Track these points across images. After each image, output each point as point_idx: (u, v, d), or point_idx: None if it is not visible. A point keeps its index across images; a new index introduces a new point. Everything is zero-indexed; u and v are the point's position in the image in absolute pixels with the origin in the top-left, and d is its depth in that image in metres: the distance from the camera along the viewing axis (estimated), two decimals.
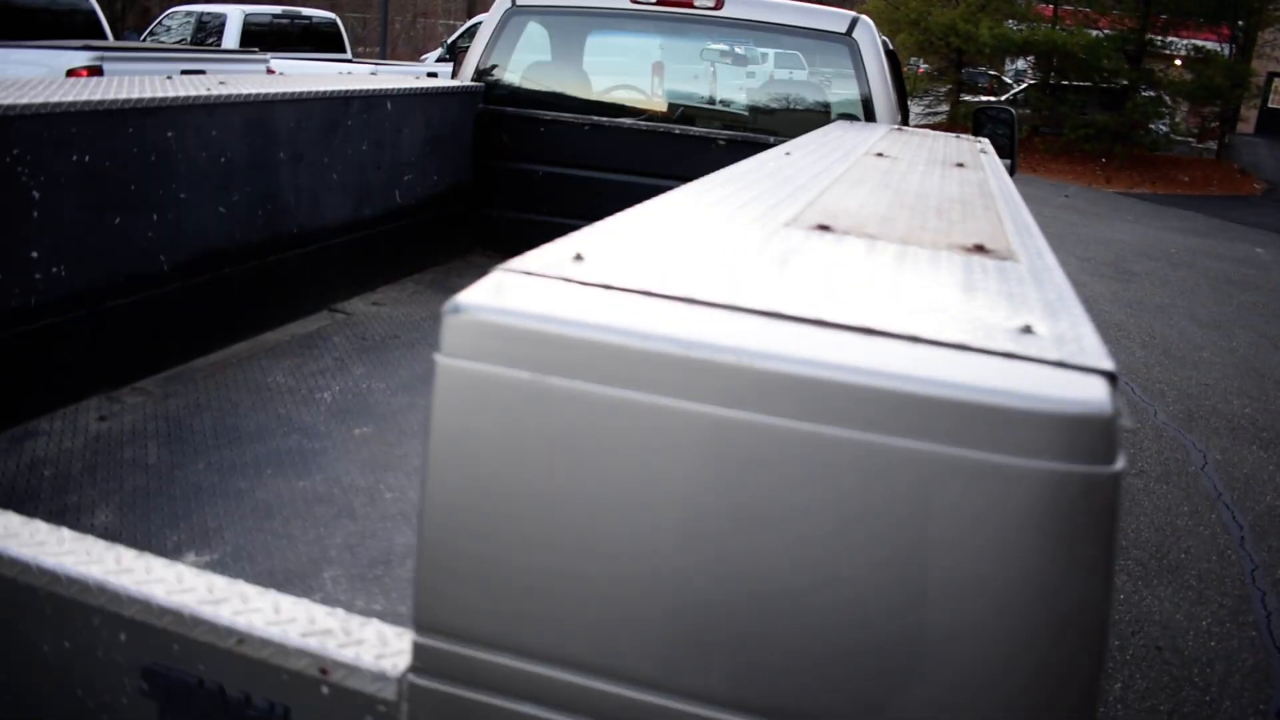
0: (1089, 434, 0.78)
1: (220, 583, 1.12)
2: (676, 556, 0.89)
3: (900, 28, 20.72)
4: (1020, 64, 27.50)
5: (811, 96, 3.84)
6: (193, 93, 2.64)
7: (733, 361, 0.85)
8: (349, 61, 10.24)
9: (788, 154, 2.21)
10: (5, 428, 2.22)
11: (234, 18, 10.25)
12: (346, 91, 3.18)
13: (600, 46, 4.17)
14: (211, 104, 2.68)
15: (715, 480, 0.87)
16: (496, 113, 3.94)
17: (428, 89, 3.65)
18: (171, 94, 2.58)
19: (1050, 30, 19.79)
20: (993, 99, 20.70)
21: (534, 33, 4.08)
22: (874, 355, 0.85)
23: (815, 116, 3.76)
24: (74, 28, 8.47)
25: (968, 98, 22.26)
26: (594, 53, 4.15)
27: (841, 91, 3.76)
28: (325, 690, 1.03)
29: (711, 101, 4.01)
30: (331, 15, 11.57)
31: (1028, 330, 0.94)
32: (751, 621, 0.88)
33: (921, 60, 24.23)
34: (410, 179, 3.55)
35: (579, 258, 1.06)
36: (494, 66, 4.02)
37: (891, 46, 4.31)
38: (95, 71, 6.56)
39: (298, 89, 3.00)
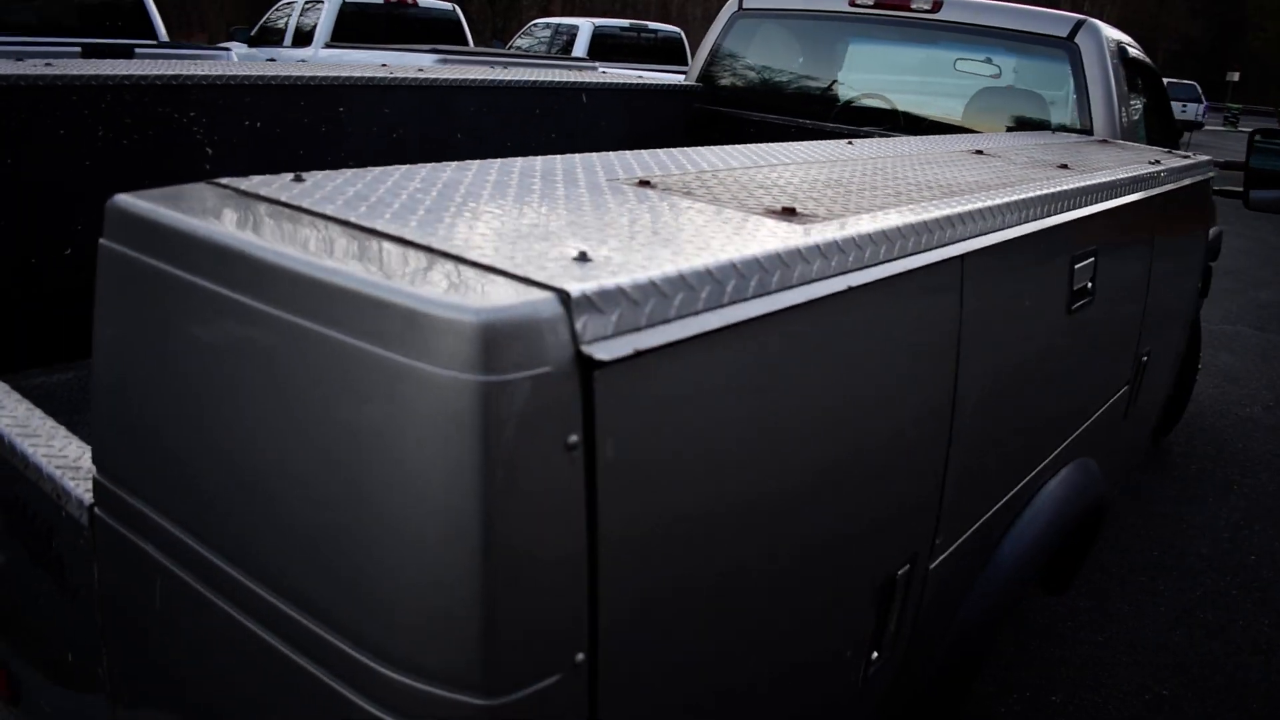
0: (455, 339, 0.74)
1: None
2: (229, 438, 0.94)
3: None
4: None
5: (1025, 106, 3.52)
6: (364, 74, 2.93)
7: (258, 257, 0.88)
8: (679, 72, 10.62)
9: (849, 143, 2.08)
10: None
11: (584, 29, 11.02)
12: (540, 82, 3.37)
13: (818, 50, 4.09)
14: (386, 85, 2.96)
15: (232, 366, 0.92)
16: (711, 112, 3.99)
17: (634, 85, 3.76)
18: (343, 74, 2.88)
19: None
20: None
21: (756, 35, 4.07)
22: (371, 260, 0.85)
23: (1027, 127, 3.46)
24: (443, 34, 9.51)
25: None
26: (811, 56, 4.08)
27: (1059, 102, 3.42)
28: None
29: (918, 108, 3.80)
30: (677, 30, 12.11)
31: (582, 257, 0.89)
32: (250, 503, 0.92)
33: None
34: None
35: (299, 178, 1.13)
36: (715, 66, 4.07)
37: (1143, 56, 3.85)
38: None
39: (485, 77, 3.22)
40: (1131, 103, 3.50)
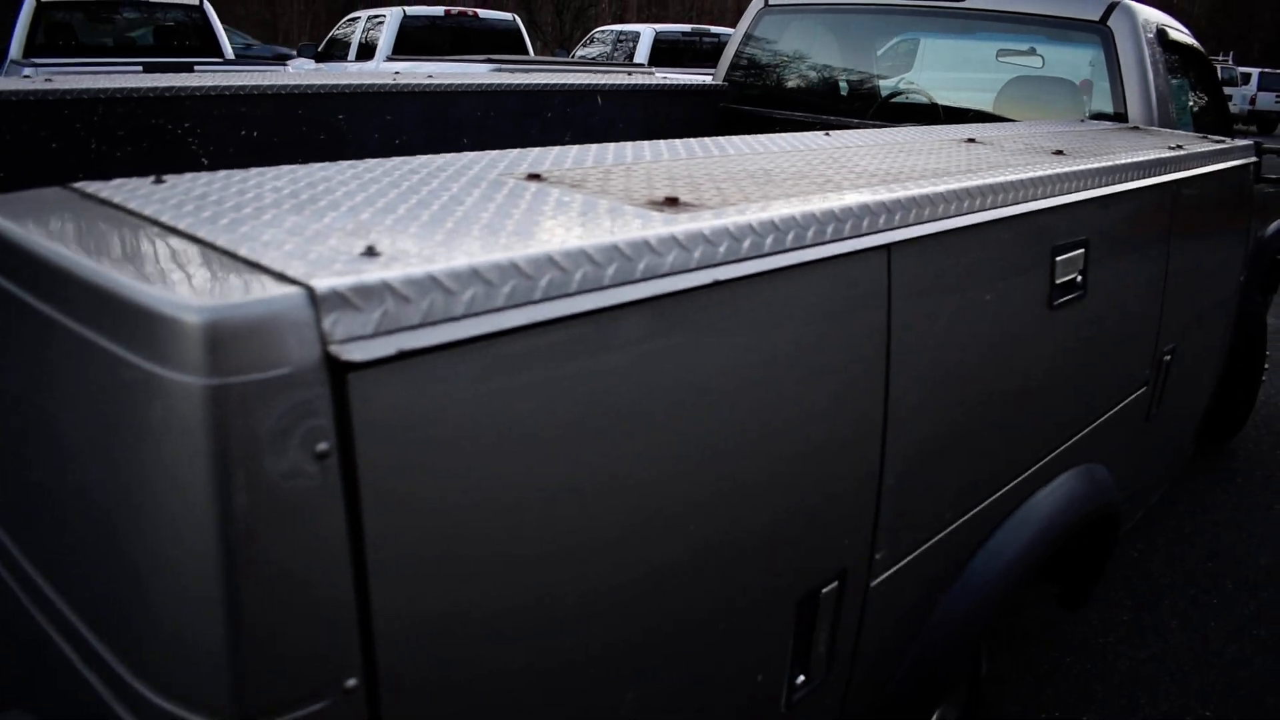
0: (180, 338, 0.68)
1: None
2: (25, 440, 0.94)
3: None
4: None
5: (1057, 94, 3.36)
6: (367, 81, 2.92)
7: (36, 254, 0.85)
8: None
9: (826, 134, 1.98)
10: None
11: (645, 35, 10.99)
12: (550, 85, 3.33)
13: (847, 44, 3.97)
14: (387, 92, 2.94)
15: (25, 367, 0.91)
16: (738, 112, 3.90)
17: (654, 86, 3.70)
18: (342, 82, 2.87)
19: None
20: None
21: (784, 30, 3.97)
22: (145, 258, 0.81)
23: (1060, 115, 3.30)
24: (504, 44, 9.58)
25: None
26: (841, 50, 3.96)
27: (1094, 88, 3.26)
28: None
29: (955, 101, 3.66)
30: None
31: (369, 252, 0.83)
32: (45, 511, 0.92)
33: None
34: None
35: (160, 180, 1.09)
36: (742, 64, 3.98)
37: (1188, 39, 3.64)
38: None
39: (490, 80, 3.19)
40: (1174, 88, 3.31)
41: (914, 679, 1.62)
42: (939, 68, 3.89)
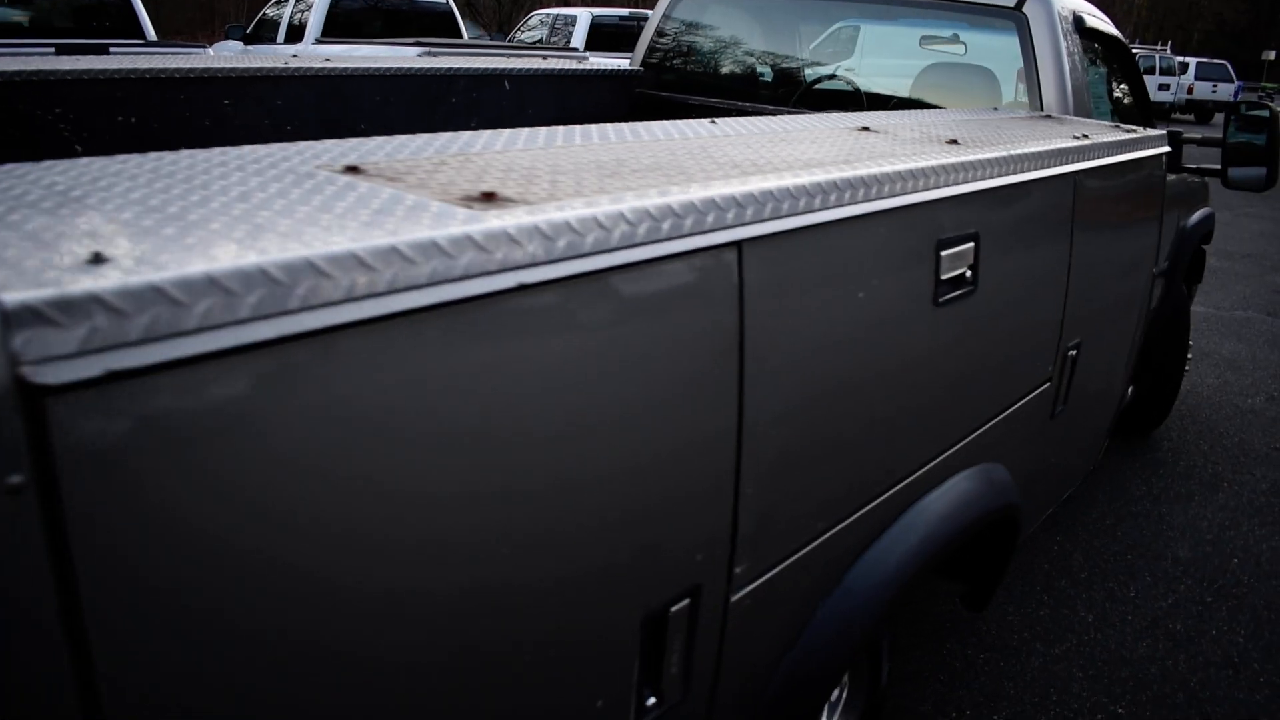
0: None
1: None
2: None
3: None
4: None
5: (973, 82, 3.31)
6: (257, 64, 2.78)
7: None
8: None
9: (713, 122, 1.90)
10: None
11: (582, 20, 10.85)
12: (455, 70, 3.21)
13: (768, 28, 3.89)
14: (279, 76, 2.81)
15: None
16: (654, 98, 3.81)
17: (566, 71, 3.59)
18: (229, 65, 2.73)
19: None
20: None
21: (703, 13, 3.88)
22: None
23: (975, 103, 3.25)
24: (437, 27, 9.38)
25: None
26: (761, 34, 3.88)
27: (1009, 76, 3.21)
28: None
29: (878, 88, 3.60)
30: None
31: (96, 259, 0.72)
32: None
33: None
34: None
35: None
36: (659, 48, 3.88)
37: (1107, 28, 3.61)
38: None
39: (385, 65, 3.06)
40: (1092, 77, 3.27)
41: (791, 691, 1.55)
42: (873, 54, 3.83)
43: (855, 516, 1.59)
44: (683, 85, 3.86)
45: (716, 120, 1.91)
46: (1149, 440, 4.62)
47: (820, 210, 1.31)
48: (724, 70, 3.92)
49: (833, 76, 3.74)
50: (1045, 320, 2.16)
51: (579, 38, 10.70)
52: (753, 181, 1.23)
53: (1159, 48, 33.98)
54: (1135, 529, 3.82)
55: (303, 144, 1.29)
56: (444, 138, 1.45)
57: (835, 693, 2.06)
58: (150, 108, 2.58)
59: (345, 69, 2.93)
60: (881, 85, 3.60)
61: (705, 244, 1.14)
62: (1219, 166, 3.65)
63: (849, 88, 3.66)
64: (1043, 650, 3.05)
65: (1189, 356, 4.58)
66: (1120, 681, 2.92)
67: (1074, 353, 2.35)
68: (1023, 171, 1.86)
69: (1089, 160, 2.19)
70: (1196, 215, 4.25)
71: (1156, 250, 2.88)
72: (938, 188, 1.58)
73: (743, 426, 1.25)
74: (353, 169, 1.14)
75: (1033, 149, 1.93)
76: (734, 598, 1.34)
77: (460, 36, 9.74)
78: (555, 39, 11.25)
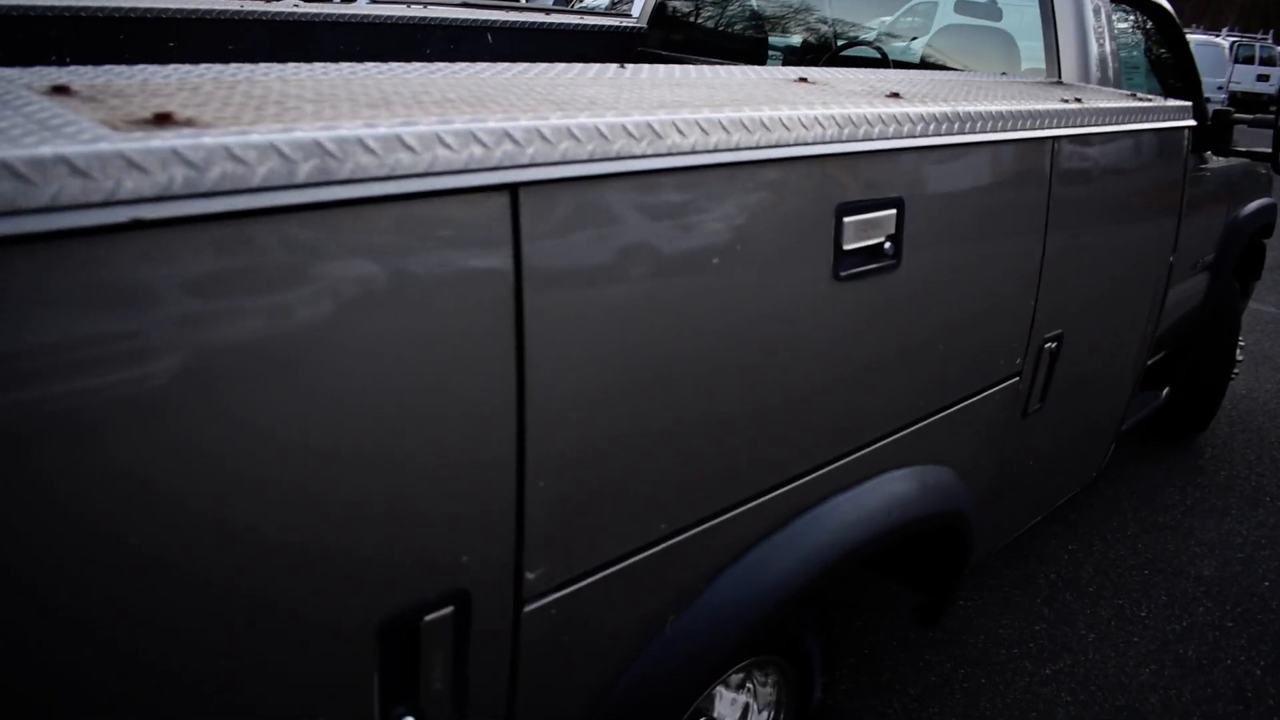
0: None
1: None
2: None
3: None
4: None
5: (988, 45, 3.02)
6: (205, 8, 2.64)
7: None
8: None
9: (622, 67, 1.68)
10: None
11: None
12: (430, 19, 3.03)
13: None
14: (231, 19, 2.67)
15: None
16: (656, 57, 3.59)
17: (556, 25, 3.39)
18: (177, 6, 2.59)
19: None
20: None
21: None
22: None
23: (991, 68, 2.96)
24: None
25: None
26: None
27: (1034, 46, 2.91)
28: None
29: (876, 44, 3.33)
30: None
31: None
32: None
33: None
34: None
35: None
36: (669, 3, 3.66)
37: None
38: None
39: (354, 11, 2.90)
40: (1130, 50, 2.96)
41: (632, 714, 1.35)
42: (935, 19, 3.53)
43: (721, 519, 1.38)
44: (693, 46, 3.62)
45: (626, 65, 1.70)
46: (1189, 446, 4.28)
47: (644, 159, 1.10)
48: (742, 31, 3.68)
49: (856, 42, 3.48)
50: (1008, 308, 1.91)
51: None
52: (549, 117, 1.03)
53: (1260, 36, 32.27)
54: (1158, 542, 3.51)
55: (45, 68, 1.12)
56: (254, 68, 1.26)
57: (736, 706, 1.85)
58: (86, 50, 2.46)
59: (305, 14, 2.78)
60: (905, 53, 3.33)
61: (458, 185, 0.94)
62: (1271, 149, 3.30)
63: (875, 54, 3.39)
64: (1031, 670, 2.80)
65: (1239, 358, 4.21)
66: (1113, 711, 2.65)
67: (1052, 345, 2.09)
68: (971, 132, 1.62)
69: (1074, 127, 1.93)
70: (1253, 205, 3.88)
71: (1174, 238, 2.57)
72: (836, 142, 1.35)
73: (525, 410, 1.05)
74: (61, 89, 0.97)
75: (993, 108, 1.68)
76: (530, 608, 1.15)
77: None
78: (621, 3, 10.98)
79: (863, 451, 1.61)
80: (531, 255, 1.02)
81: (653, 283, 1.17)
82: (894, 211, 1.50)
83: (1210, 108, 3.32)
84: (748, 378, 1.34)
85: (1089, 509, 3.69)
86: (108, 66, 1.15)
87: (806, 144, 1.30)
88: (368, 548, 0.97)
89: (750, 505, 1.42)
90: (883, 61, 3.25)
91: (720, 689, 1.82)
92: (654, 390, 1.21)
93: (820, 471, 1.52)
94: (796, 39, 3.59)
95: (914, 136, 1.50)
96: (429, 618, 1.04)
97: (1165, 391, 3.67)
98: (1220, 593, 3.23)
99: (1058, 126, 1.87)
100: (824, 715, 2.52)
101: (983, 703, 2.64)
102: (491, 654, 1.13)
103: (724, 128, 1.18)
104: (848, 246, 1.43)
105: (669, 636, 1.34)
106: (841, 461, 1.57)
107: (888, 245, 1.50)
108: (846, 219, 1.41)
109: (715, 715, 1.82)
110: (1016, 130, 1.74)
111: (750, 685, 1.89)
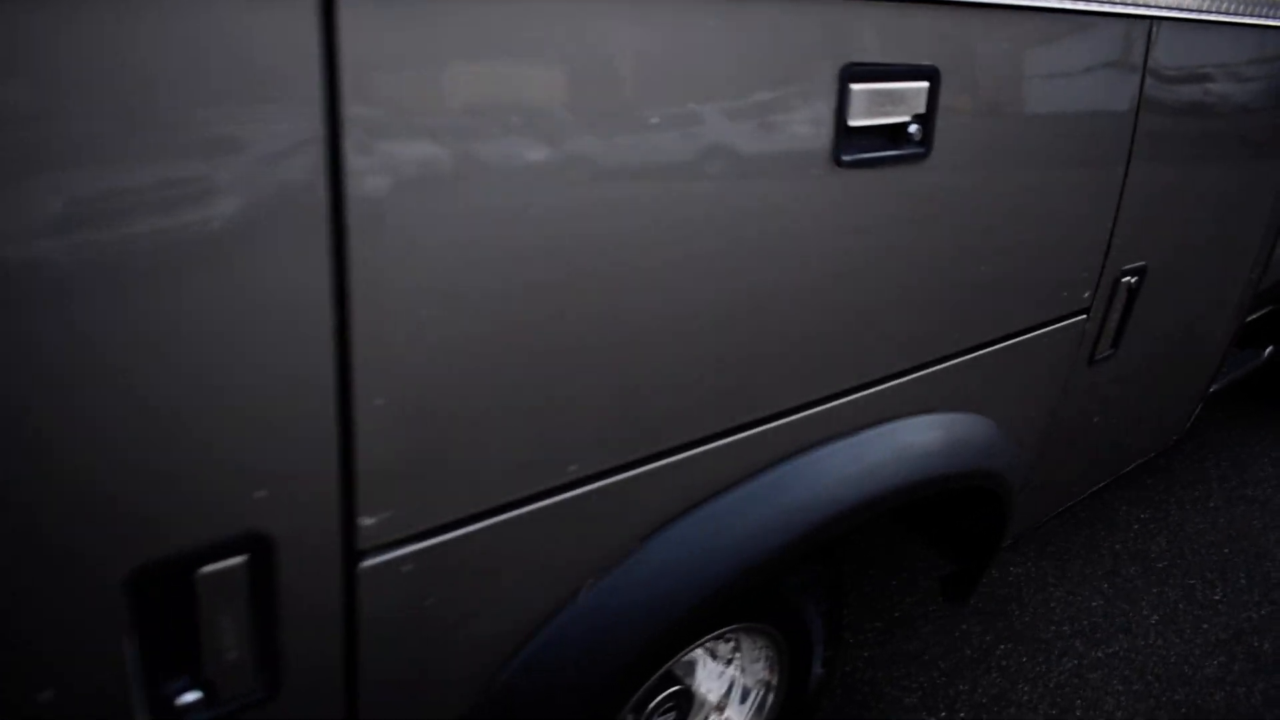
0: None
1: None
2: None
3: None
4: None
5: None
6: None
7: None
8: None
9: None
10: None
11: None
12: None
13: None
14: None
15: None
16: None
17: None
18: None
19: None
20: None
21: None
22: None
23: None
24: None
25: None
26: None
27: None
28: None
29: None
30: None
31: None
32: None
33: None
34: None
35: None
36: None
37: None
38: None
39: None
40: None
41: (532, 701, 1.08)
42: None
43: (660, 463, 1.09)
44: None
45: None
46: None
47: None
48: None
49: None
50: (1076, 228, 1.56)
51: None
52: None
53: None
54: (1244, 517, 3.12)
55: None
56: None
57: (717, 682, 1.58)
58: None
59: None
60: None
61: None
62: None
63: None
64: (1082, 650, 2.47)
65: None
66: (1170, 705, 2.32)
67: (1131, 280, 1.73)
68: None
69: (1182, 9, 1.54)
70: None
71: None
72: None
73: (348, 287, 0.77)
74: None
75: None
76: (368, 563, 0.88)
77: None
78: None
79: (865, 392, 1.29)
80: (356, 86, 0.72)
81: (553, 128, 0.86)
82: (926, 85, 1.16)
83: None
84: (702, 281, 1.03)
85: (1168, 473, 3.30)
86: None
87: None
88: (110, 474, 0.70)
89: (704, 449, 1.12)
90: None
91: (705, 658, 1.55)
92: (557, 279, 0.91)
93: (804, 413, 1.22)
94: None
95: None
96: (207, 569, 0.77)
97: (1268, 351, 3.24)
98: None
99: (1159, 4, 1.49)
100: (838, 684, 2.25)
101: (1021, 685, 2.33)
102: (317, 619, 0.86)
103: None
104: (855, 123, 1.10)
105: (582, 608, 1.06)
106: (835, 402, 1.26)
107: (914, 129, 1.17)
108: (855, 86, 1.08)
109: (694, 689, 1.54)
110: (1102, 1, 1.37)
111: (737, 658, 1.62)
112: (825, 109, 1.07)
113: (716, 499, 1.17)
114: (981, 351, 1.47)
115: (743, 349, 1.12)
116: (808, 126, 1.06)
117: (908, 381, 1.35)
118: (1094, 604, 2.66)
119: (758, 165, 1.03)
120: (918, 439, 1.39)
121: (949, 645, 2.45)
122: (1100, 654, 2.47)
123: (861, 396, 1.29)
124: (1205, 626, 2.60)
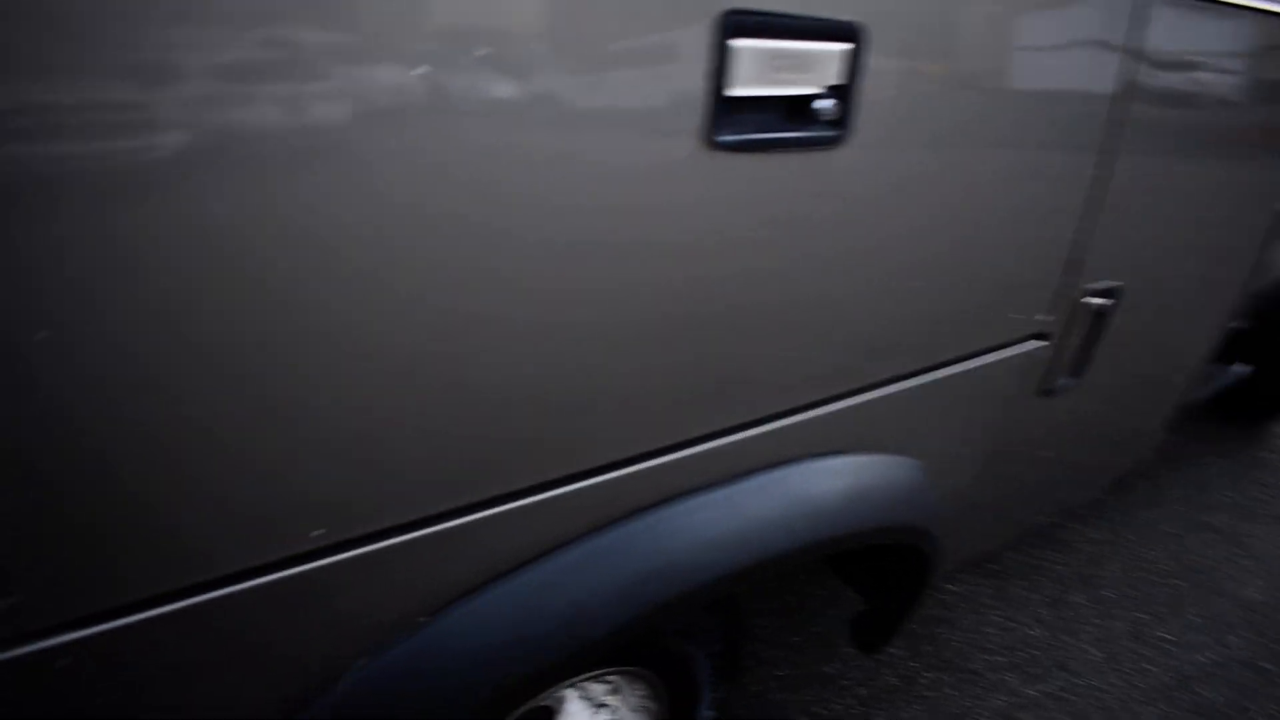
0: None
1: None
2: None
3: None
4: None
5: None
6: None
7: None
8: None
9: None
10: None
11: None
12: None
13: None
14: None
15: None
16: None
17: None
18: None
19: None
20: None
21: None
22: None
23: None
24: None
25: None
26: None
27: None
28: None
29: None
30: None
31: None
32: None
33: None
34: None
35: None
36: None
37: None
38: None
39: None
40: None
41: None
42: None
43: (459, 520, 0.82)
44: None
45: None
46: (1257, 435, 3.62)
47: None
48: None
49: None
50: (1030, 239, 1.29)
51: None
52: None
53: None
54: (1200, 546, 2.91)
55: None
56: None
57: None
58: None
59: None
60: None
61: None
62: None
63: None
64: (1014, 687, 2.26)
65: None
66: None
67: (1099, 302, 1.46)
68: None
69: None
70: None
71: None
72: None
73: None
74: None
75: None
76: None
77: None
78: None
79: (746, 433, 1.03)
80: None
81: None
82: (846, 48, 0.88)
83: None
84: (514, 296, 0.76)
85: (1124, 491, 3.09)
86: None
87: None
88: None
89: (519, 504, 0.85)
90: None
91: (574, 696, 1.31)
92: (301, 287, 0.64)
93: (664, 457, 0.95)
94: None
95: None
96: None
97: (1242, 367, 3.01)
98: (1263, 623, 2.63)
99: None
100: (746, 705, 2.03)
101: None
102: None
103: None
104: (736, 91, 0.82)
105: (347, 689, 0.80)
106: (706, 445, 0.99)
107: (825, 104, 0.89)
108: (737, 42, 0.80)
109: None
110: None
111: (612, 701, 1.37)
112: (694, 71, 0.79)
113: (537, 564, 0.91)
114: (907, 384, 1.21)
115: (581, 383, 0.85)
116: (668, 94, 0.78)
117: (804, 420, 1.09)
118: (1032, 633, 2.44)
119: (598, 143, 0.75)
120: (815, 488, 1.12)
121: (869, 670, 2.23)
122: (1034, 691, 2.25)
123: (737, 439, 1.02)
124: (1150, 669, 2.39)
